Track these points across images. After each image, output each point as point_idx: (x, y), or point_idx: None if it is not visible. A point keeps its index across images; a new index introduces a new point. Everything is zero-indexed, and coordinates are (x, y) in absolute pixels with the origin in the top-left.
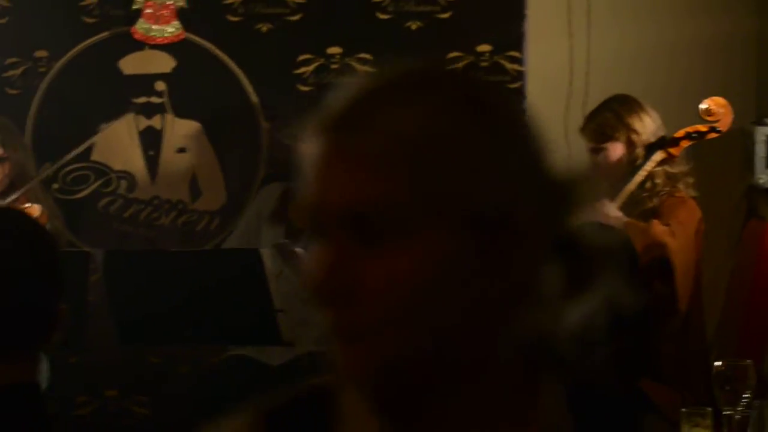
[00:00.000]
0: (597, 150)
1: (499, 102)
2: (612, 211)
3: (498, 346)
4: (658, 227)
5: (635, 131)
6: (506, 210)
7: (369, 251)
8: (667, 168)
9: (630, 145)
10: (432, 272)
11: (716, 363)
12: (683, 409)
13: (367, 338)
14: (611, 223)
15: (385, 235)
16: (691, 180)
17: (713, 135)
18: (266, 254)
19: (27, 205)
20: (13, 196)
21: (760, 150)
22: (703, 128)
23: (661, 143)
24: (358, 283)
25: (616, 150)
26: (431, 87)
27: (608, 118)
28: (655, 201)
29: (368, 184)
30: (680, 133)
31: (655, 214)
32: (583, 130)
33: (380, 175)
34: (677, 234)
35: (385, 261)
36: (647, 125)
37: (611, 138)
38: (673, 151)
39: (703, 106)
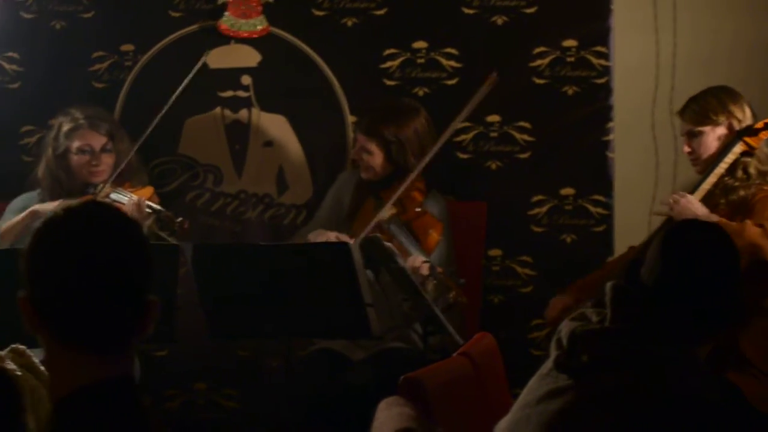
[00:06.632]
0: (694, 134)
1: None
2: (700, 209)
3: None
4: (752, 229)
5: (737, 118)
6: None
7: None
8: (757, 164)
9: (730, 131)
10: None
11: None
12: None
13: None
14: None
15: None
16: None
17: None
18: (355, 248)
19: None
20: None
21: None
22: None
23: (741, 134)
24: None
25: (715, 134)
26: None
27: (711, 102)
28: (747, 191)
29: None
30: (759, 124)
31: (744, 204)
32: (683, 112)
33: None
34: None
35: None
36: (747, 115)
37: (712, 121)
38: (752, 141)
39: None
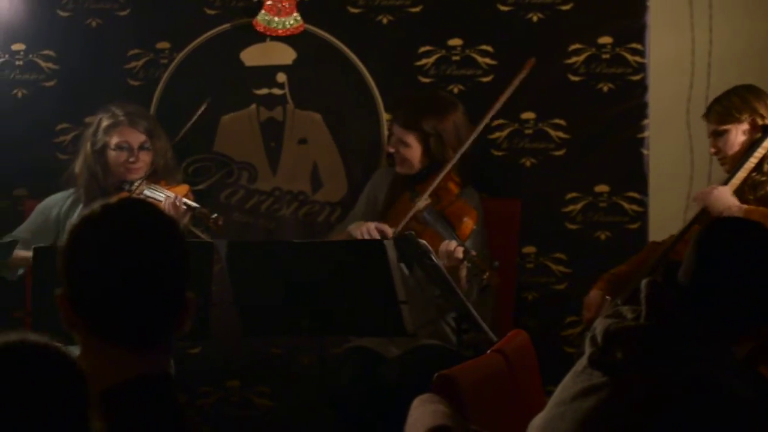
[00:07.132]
0: (719, 133)
1: None
2: (730, 199)
3: None
4: None
5: (760, 115)
6: None
7: None
8: None
9: (754, 127)
10: None
11: None
12: None
13: None
14: (732, 213)
15: None
16: None
17: None
18: (390, 245)
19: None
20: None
21: None
22: None
23: None
24: None
25: (739, 131)
26: None
27: (734, 101)
28: None
29: None
30: None
31: None
32: (708, 113)
33: None
34: None
35: None
36: None
37: (736, 120)
38: None
39: None
